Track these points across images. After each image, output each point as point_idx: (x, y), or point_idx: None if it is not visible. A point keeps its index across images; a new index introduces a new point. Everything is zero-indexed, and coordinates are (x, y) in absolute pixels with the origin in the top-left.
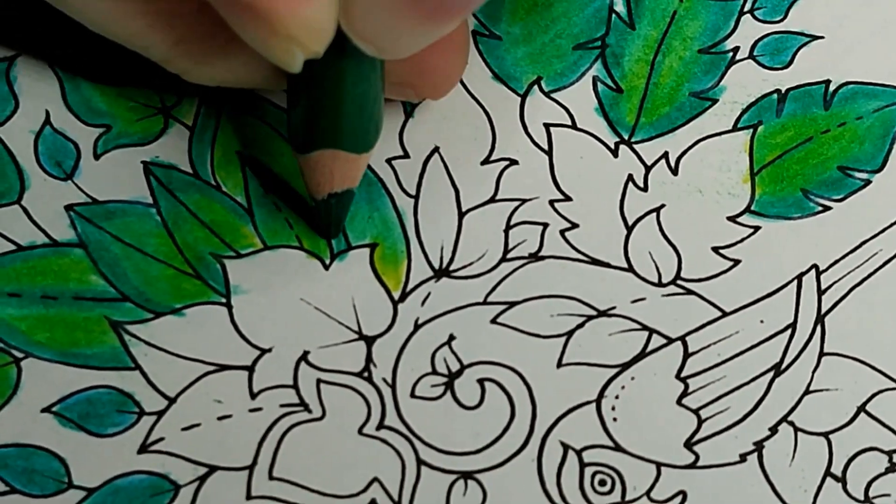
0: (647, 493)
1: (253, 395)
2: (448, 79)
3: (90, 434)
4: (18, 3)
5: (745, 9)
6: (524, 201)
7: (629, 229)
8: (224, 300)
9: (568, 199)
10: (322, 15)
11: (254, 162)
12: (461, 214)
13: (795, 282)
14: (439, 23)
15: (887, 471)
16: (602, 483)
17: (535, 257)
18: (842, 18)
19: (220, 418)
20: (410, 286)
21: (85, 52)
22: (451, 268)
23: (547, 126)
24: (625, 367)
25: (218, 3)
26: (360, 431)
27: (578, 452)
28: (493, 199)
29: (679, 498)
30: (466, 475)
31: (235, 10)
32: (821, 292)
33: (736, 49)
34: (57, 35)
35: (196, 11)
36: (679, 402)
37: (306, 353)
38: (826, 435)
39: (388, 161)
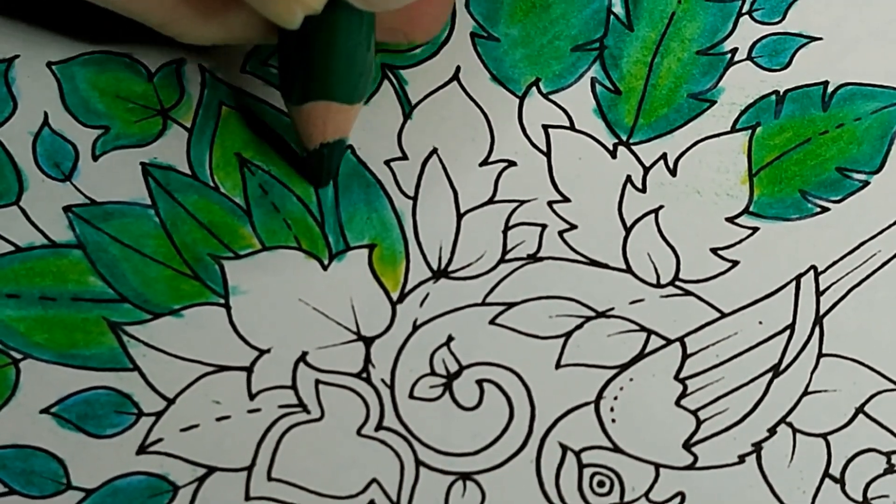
0: (646, 495)
1: (251, 396)
2: (436, 21)
3: (89, 435)
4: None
5: (744, 10)
6: (523, 202)
7: (628, 230)
8: (222, 301)
9: (566, 200)
10: None
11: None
12: (460, 215)
13: (794, 283)
14: None
15: (886, 472)
16: (601, 484)
17: (533, 258)
18: (840, 20)
19: (218, 419)
20: (409, 287)
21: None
22: (450, 269)
23: (545, 127)
24: (623, 368)
25: None
26: (358, 432)
27: (577, 453)
28: (491, 201)
29: (678, 499)
30: (465, 476)
31: None
32: (819, 293)
33: (734, 50)
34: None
35: None
36: (678, 403)
37: (305, 353)
38: (825, 436)
39: (387, 163)
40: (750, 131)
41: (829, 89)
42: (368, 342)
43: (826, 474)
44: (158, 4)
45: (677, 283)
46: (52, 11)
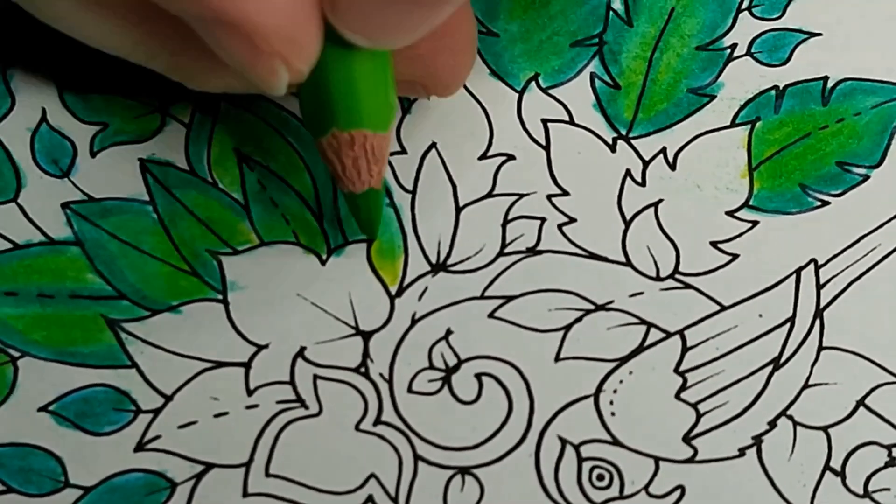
0: (646, 488)
1: (249, 392)
2: (457, 76)
3: (87, 433)
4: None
5: (743, 6)
6: (522, 196)
7: (627, 224)
8: (221, 297)
9: (566, 193)
10: (308, 29)
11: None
12: (458, 209)
13: (794, 276)
14: (429, 8)
15: (887, 465)
16: (600, 478)
17: (532, 252)
18: (840, 15)
19: (216, 415)
20: (407, 281)
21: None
22: (449, 262)
23: (544, 122)
24: (623, 361)
25: (197, 24)
26: (356, 427)
27: (576, 447)
28: (490, 194)
29: (678, 492)
30: (464, 470)
31: (216, 28)
32: (819, 287)
33: (734, 46)
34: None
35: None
36: (677, 396)
37: (303, 348)
38: (825, 429)
39: None
40: (750, 126)
41: (829, 84)
42: (367, 336)
43: (827, 467)
44: (158, 51)
45: (677, 276)
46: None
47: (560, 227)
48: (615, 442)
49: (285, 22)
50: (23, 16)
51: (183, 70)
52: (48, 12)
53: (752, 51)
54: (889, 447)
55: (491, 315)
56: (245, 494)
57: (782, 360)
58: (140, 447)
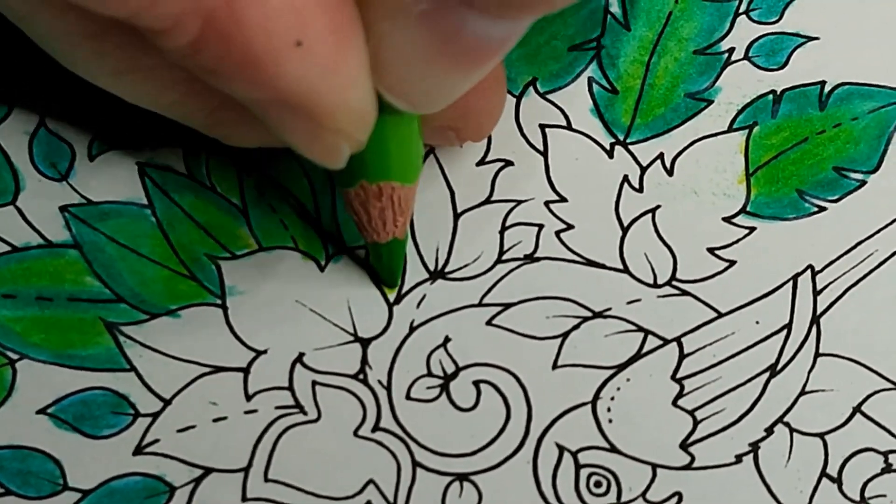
0: (643, 495)
1: (248, 397)
2: (490, 119)
3: (85, 436)
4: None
5: (741, 10)
6: (519, 202)
7: (624, 230)
8: (219, 301)
9: (563, 200)
10: (367, 99)
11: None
12: (456, 216)
13: (791, 282)
14: (470, 70)
15: (883, 471)
16: (598, 485)
17: (530, 259)
18: (837, 19)
19: (215, 420)
20: (406, 288)
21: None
22: (447, 269)
23: (542, 127)
24: (620, 368)
25: (256, 106)
26: (355, 433)
27: (574, 454)
28: (488, 201)
29: (675, 499)
30: (462, 477)
31: (279, 111)
32: (816, 293)
33: (731, 50)
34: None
35: None
36: (675, 403)
37: (302, 354)
38: (822, 436)
39: None
40: (747, 131)
41: (827, 89)
42: (365, 343)
43: (823, 474)
44: (198, 108)
45: (674, 283)
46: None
47: (558, 233)
48: (613, 449)
49: (350, 97)
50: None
51: (221, 128)
52: (86, 73)
53: (750, 55)
54: (885, 454)
55: (489, 322)
56: (244, 499)
57: (779, 366)
58: (139, 451)
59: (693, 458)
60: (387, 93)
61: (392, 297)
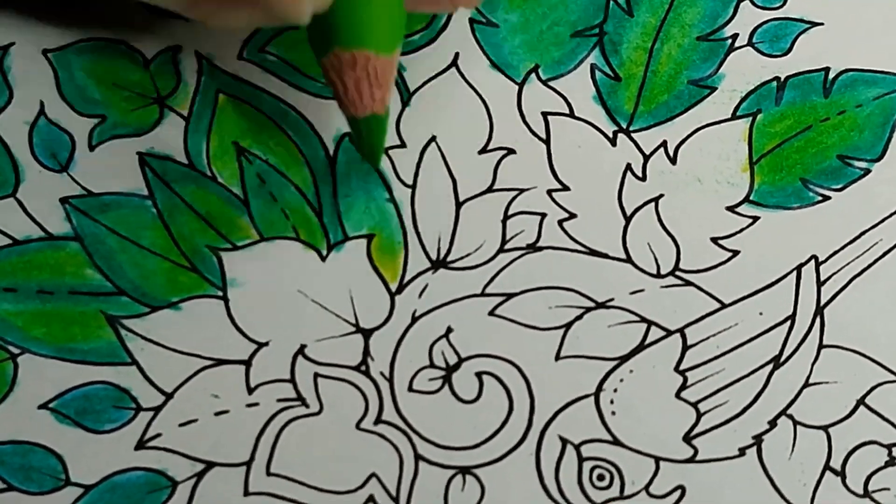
0: (646, 488)
1: (250, 390)
2: None
3: (87, 430)
4: None
5: None
6: (522, 191)
7: (627, 219)
8: (220, 293)
9: (566, 188)
10: None
11: None
12: (458, 204)
13: (795, 273)
14: None
15: (887, 464)
16: (601, 477)
17: (533, 248)
18: (841, 5)
19: (217, 413)
20: (408, 278)
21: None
22: (449, 259)
23: (545, 115)
24: (623, 359)
25: None
26: (357, 426)
27: (577, 447)
28: (490, 189)
29: (678, 492)
30: (464, 470)
31: None
32: (820, 283)
33: (735, 36)
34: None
35: None
36: (678, 395)
37: (303, 346)
38: (825, 428)
39: (385, 151)
40: (750, 118)
41: (831, 75)
42: (367, 334)
43: (827, 467)
44: None
45: (677, 273)
46: None
47: (560, 222)
48: (615, 441)
49: None
50: None
51: (203, 6)
52: None
53: (754, 41)
54: (889, 446)
55: (491, 313)
56: (246, 493)
57: (782, 358)
58: (141, 445)
59: (696, 451)
60: None
61: (394, 286)
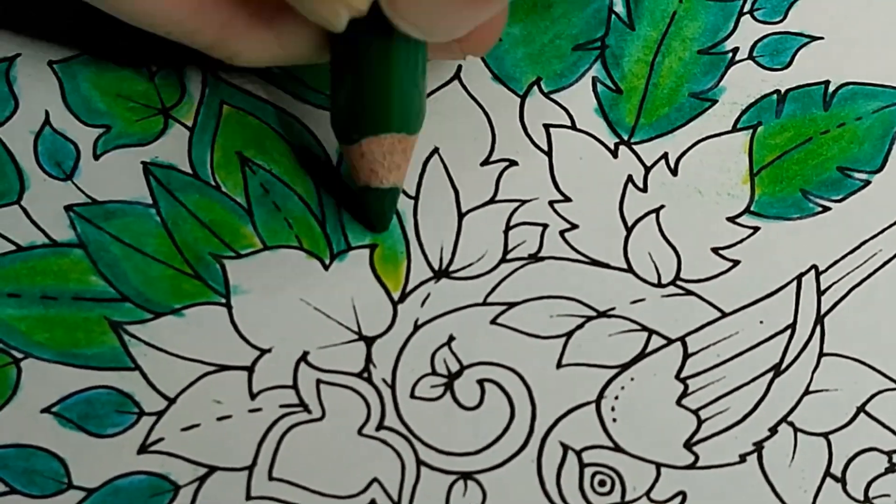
0: (647, 494)
1: (253, 396)
2: (493, 33)
3: (90, 434)
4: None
5: (745, 9)
6: (524, 202)
7: (629, 230)
8: (224, 300)
9: (567, 199)
10: None
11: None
12: (461, 215)
13: (795, 282)
14: (485, 5)
15: (887, 471)
16: (602, 483)
17: (534, 258)
18: (841, 19)
19: (219, 419)
20: (410, 287)
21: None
22: (451, 268)
23: (546, 127)
24: (624, 367)
25: None
26: (359, 432)
27: (578, 453)
28: (492, 200)
29: (679, 498)
30: (466, 476)
31: None
32: (820, 293)
33: (735, 50)
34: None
35: None
36: (679, 402)
37: (306, 353)
38: (826, 435)
39: None
40: (751, 131)
41: (831, 89)
42: (370, 342)
43: (827, 473)
44: (208, 24)
45: (678, 282)
46: (52, 10)
47: (562, 233)
48: (617, 448)
49: None
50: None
51: (229, 42)
52: None
53: (754, 54)
54: (889, 453)
55: (493, 321)
56: (248, 497)
57: (783, 366)
58: (143, 449)
59: (697, 458)
60: (399, 22)
61: (396, 295)
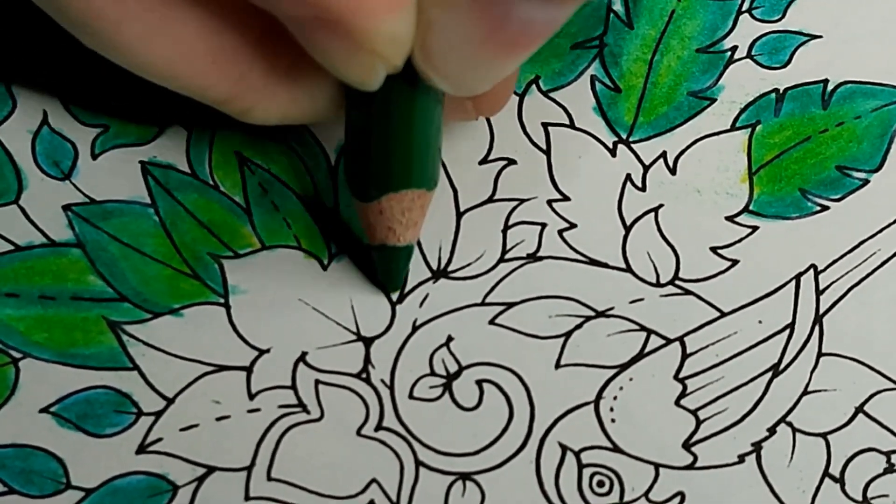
0: (646, 495)
1: (251, 396)
2: (506, 90)
3: (88, 434)
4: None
5: (744, 8)
6: (522, 201)
7: (627, 229)
8: (222, 300)
9: (566, 199)
10: (405, 26)
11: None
12: (459, 214)
13: (794, 282)
14: (516, 56)
15: (885, 471)
16: (600, 484)
17: (533, 258)
18: (840, 17)
19: (218, 419)
20: (408, 287)
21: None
22: (450, 268)
23: (545, 125)
24: (623, 367)
25: (295, 25)
26: (358, 433)
27: (577, 453)
28: (491, 199)
29: (677, 499)
30: (465, 476)
31: (318, 28)
32: (819, 292)
33: (734, 48)
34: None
35: (259, 39)
36: (677, 402)
37: (304, 353)
38: (824, 436)
39: None
40: (750, 129)
41: (829, 87)
42: (368, 342)
43: (826, 474)
44: (223, 78)
45: (677, 282)
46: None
47: (560, 232)
48: (615, 448)
49: (389, 18)
50: (25, 23)
51: (243, 100)
52: (110, 43)
53: (753, 53)
54: (888, 454)
55: (492, 322)
56: (247, 498)
57: (782, 366)
58: (142, 449)
59: (696, 458)
60: (432, 74)
61: (395, 296)
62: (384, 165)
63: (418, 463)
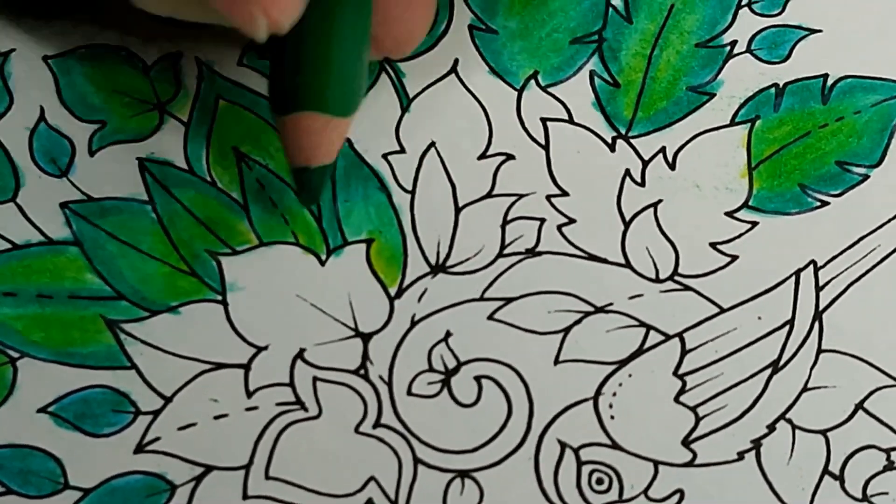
0: (645, 492)
1: (249, 394)
2: (412, 34)
3: (86, 434)
4: None
5: (743, 2)
6: (521, 196)
7: (626, 225)
8: (220, 297)
9: (565, 194)
10: None
11: None
12: (458, 210)
13: (793, 278)
14: None
15: (885, 468)
16: (599, 481)
17: (532, 253)
18: (840, 12)
19: (216, 417)
20: (407, 282)
21: None
22: (448, 263)
23: (544, 120)
24: (622, 364)
25: None
26: (356, 430)
27: (576, 450)
28: (489, 195)
29: (677, 496)
30: (463, 473)
31: None
32: (819, 288)
33: (733, 43)
34: None
35: None
36: (676, 399)
37: (302, 350)
38: (824, 433)
39: (385, 156)
40: (749, 124)
41: (829, 82)
42: (366, 338)
43: (825, 471)
44: None
45: (676, 277)
46: (46, 5)
47: (559, 227)
48: (614, 445)
49: None
50: None
51: None
52: None
53: (752, 48)
54: (888, 451)
55: (490, 317)
56: (245, 497)
57: (781, 362)
58: (140, 449)
59: (695, 455)
60: None
61: (393, 291)
62: (300, 82)
63: (416, 460)
